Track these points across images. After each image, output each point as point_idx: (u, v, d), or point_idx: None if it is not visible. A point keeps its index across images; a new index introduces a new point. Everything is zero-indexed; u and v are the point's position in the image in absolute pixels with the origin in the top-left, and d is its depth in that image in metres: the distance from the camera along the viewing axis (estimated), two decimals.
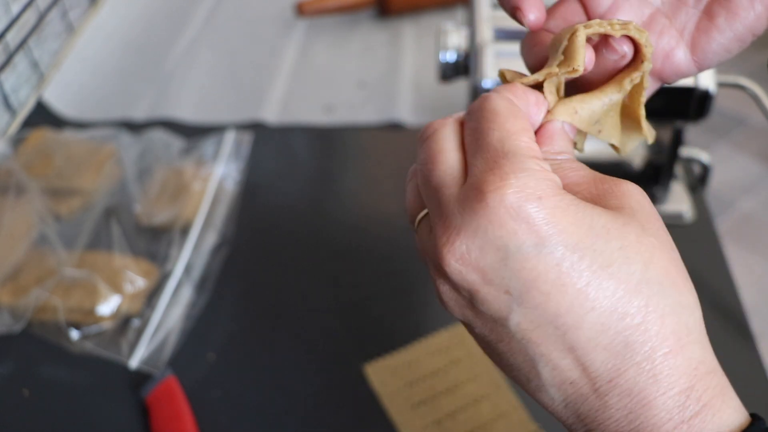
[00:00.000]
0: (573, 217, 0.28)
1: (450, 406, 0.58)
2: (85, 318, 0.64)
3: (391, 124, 0.86)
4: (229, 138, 0.80)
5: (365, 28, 1.03)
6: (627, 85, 0.34)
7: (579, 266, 0.28)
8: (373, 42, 1.01)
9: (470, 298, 0.30)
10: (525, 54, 0.37)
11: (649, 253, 0.29)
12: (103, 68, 0.97)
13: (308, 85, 0.93)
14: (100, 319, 0.64)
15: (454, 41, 0.69)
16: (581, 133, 0.35)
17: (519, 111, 0.32)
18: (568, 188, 0.31)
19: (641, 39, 0.34)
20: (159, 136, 0.80)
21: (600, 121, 0.35)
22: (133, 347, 0.63)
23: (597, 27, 0.33)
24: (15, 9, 0.88)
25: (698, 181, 0.77)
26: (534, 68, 0.36)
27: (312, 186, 0.79)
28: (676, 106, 0.65)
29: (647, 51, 0.34)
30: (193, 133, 0.83)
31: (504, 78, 0.35)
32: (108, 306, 0.64)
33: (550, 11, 0.37)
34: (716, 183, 1.93)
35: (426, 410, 0.58)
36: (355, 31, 1.03)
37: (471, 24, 0.71)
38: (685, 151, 0.77)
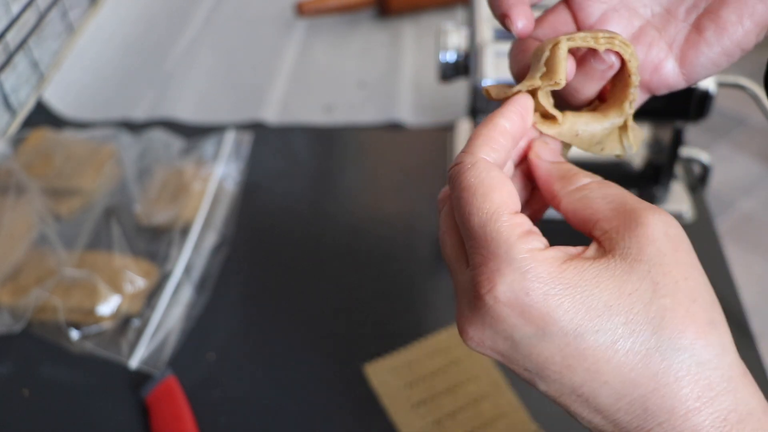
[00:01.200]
0: (569, 302, 0.29)
1: (450, 406, 0.58)
2: (85, 318, 0.64)
3: (391, 124, 0.86)
4: (229, 138, 0.80)
5: (365, 28, 1.03)
6: (628, 108, 0.35)
7: (582, 348, 0.29)
8: (373, 42, 1.01)
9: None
10: (511, 61, 0.37)
11: (659, 319, 0.29)
12: (103, 68, 0.97)
13: (308, 85, 0.93)
14: (100, 319, 0.64)
15: (454, 41, 0.69)
16: (566, 146, 0.36)
17: (495, 179, 0.31)
18: (600, 228, 0.31)
19: (626, 54, 0.34)
20: (159, 136, 0.80)
21: (601, 141, 0.36)
22: (133, 347, 0.62)
23: (581, 41, 0.33)
24: (15, 9, 0.88)
25: (698, 181, 0.77)
26: (519, 75, 0.37)
27: (312, 186, 0.79)
28: (676, 106, 0.65)
29: (632, 66, 0.34)
30: (193, 133, 0.83)
31: (489, 95, 0.36)
32: (108, 306, 0.64)
33: (539, 20, 0.37)
34: (716, 183, 1.93)
35: (426, 410, 0.58)
36: (355, 31, 1.03)
37: (471, 24, 0.71)
38: (685, 151, 0.77)
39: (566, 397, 0.30)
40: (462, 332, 0.32)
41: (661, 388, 0.29)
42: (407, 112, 0.88)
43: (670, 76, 0.36)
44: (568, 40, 0.33)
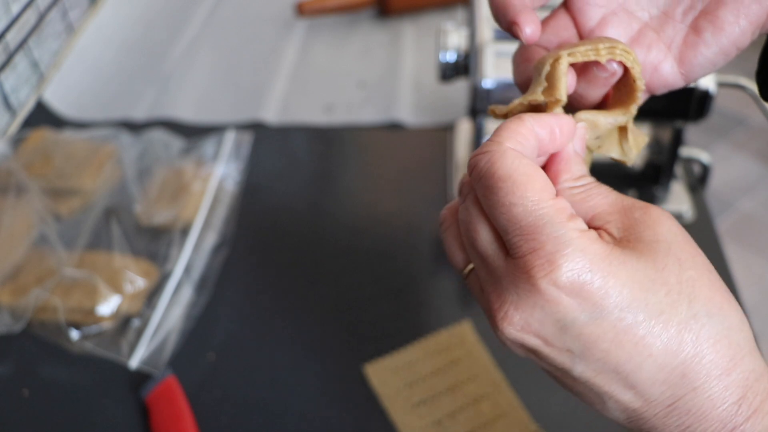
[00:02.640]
0: (623, 279, 0.30)
1: (450, 406, 0.58)
2: (85, 318, 0.64)
3: (391, 124, 0.86)
4: (229, 138, 0.80)
5: (365, 28, 1.03)
6: (634, 109, 0.35)
7: (634, 322, 0.30)
8: (372, 42, 1.01)
9: (533, 353, 0.32)
10: (515, 70, 0.38)
11: (691, 288, 0.31)
12: (104, 68, 0.97)
13: (308, 85, 0.93)
14: (100, 319, 0.64)
15: (454, 41, 0.69)
16: (589, 151, 0.36)
17: (529, 166, 0.31)
18: (601, 218, 0.33)
19: (628, 62, 0.34)
20: (159, 136, 0.80)
21: (601, 137, 0.36)
22: (133, 347, 0.62)
23: (581, 55, 0.34)
24: (15, 9, 0.88)
25: (698, 181, 0.77)
26: (522, 85, 0.37)
27: (312, 186, 0.79)
28: (676, 106, 0.65)
29: (635, 72, 0.34)
30: (193, 133, 0.83)
31: (495, 114, 0.36)
32: (108, 306, 0.64)
33: (542, 25, 0.37)
34: (716, 183, 1.93)
35: (426, 410, 0.58)
36: (355, 31, 1.03)
37: (471, 24, 0.71)
38: (685, 151, 0.77)
39: (603, 375, 0.31)
40: (503, 319, 0.31)
41: (701, 353, 0.30)
42: (407, 112, 0.88)
43: (669, 75, 0.37)
44: (569, 55, 0.33)
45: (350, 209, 0.76)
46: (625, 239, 0.32)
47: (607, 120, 0.35)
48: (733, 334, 0.31)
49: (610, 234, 0.32)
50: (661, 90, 0.38)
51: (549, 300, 0.30)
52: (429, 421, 0.57)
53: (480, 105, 0.67)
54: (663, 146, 0.73)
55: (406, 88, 0.91)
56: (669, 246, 0.31)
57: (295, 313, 0.66)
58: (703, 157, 0.77)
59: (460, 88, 0.84)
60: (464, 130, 0.82)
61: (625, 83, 0.35)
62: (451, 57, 0.70)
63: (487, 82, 0.66)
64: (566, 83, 0.33)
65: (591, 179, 0.34)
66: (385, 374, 0.61)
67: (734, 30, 0.36)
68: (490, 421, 0.57)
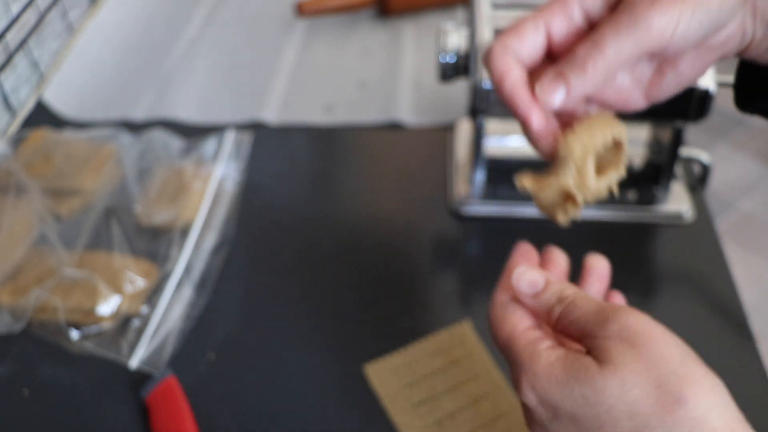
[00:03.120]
0: (566, 394, 0.36)
1: (450, 406, 0.58)
2: (85, 318, 0.64)
3: (390, 124, 0.86)
4: (230, 138, 0.80)
5: (365, 28, 1.03)
6: (622, 170, 0.40)
7: (582, 427, 0.35)
8: (372, 42, 1.00)
9: None
10: (540, 142, 0.41)
11: (631, 408, 0.34)
12: (103, 68, 0.97)
13: (308, 85, 0.93)
14: (100, 319, 0.64)
15: (454, 41, 0.69)
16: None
17: (506, 310, 0.41)
18: (581, 334, 0.38)
19: (622, 135, 0.40)
20: (159, 136, 0.80)
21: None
22: (133, 347, 0.62)
23: (602, 148, 0.39)
24: (15, 9, 0.88)
25: (698, 181, 0.77)
26: (549, 156, 0.41)
27: (312, 186, 0.79)
28: (676, 106, 0.65)
29: (624, 141, 0.40)
30: (193, 133, 0.83)
31: (524, 186, 0.41)
32: (108, 306, 0.64)
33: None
34: (716, 183, 1.93)
35: (426, 410, 0.58)
36: (355, 31, 1.03)
37: (471, 24, 0.70)
38: (685, 151, 0.76)
39: None
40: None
41: None
42: (407, 112, 0.87)
43: (636, 104, 0.43)
44: (595, 153, 0.39)
45: (350, 209, 0.76)
46: (596, 354, 0.36)
47: (603, 183, 0.40)
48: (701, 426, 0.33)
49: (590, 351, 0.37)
50: (624, 111, 0.43)
51: (525, 407, 0.38)
52: (429, 421, 0.57)
53: (480, 105, 0.67)
54: (663, 146, 0.73)
55: (406, 88, 0.91)
56: (616, 368, 0.35)
57: (295, 313, 0.66)
58: (703, 157, 0.77)
59: (460, 88, 0.84)
60: (464, 130, 0.82)
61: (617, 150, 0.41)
62: (451, 57, 0.69)
63: (488, 83, 0.65)
64: (593, 175, 0.39)
65: (571, 293, 0.39)
66: (385, 374, 0.60)
67: (693, 75, 0.42)
68: (490, 421, 0.57)
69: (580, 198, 0.40)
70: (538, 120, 0.40)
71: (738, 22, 0.40)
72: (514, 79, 0.40)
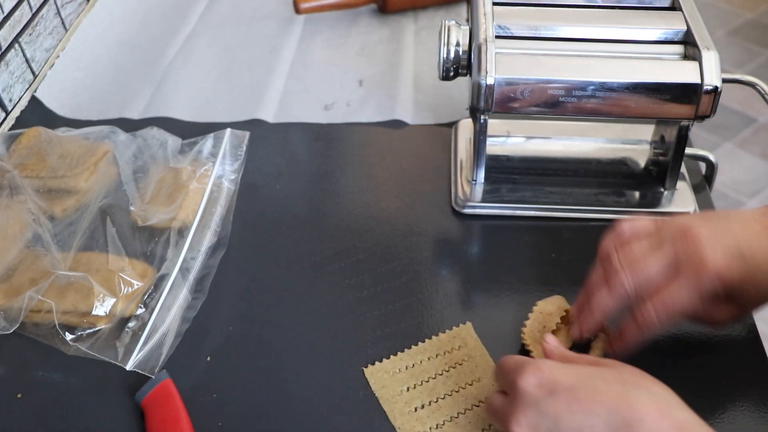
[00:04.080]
0: (569, 371, 0.48)
1: (451, 409, 0.57)
2: (80, 320, 0.63)
3: (391, 121, 0.85)
4: (227, 137, 0.79)
5: (365, 25, 1.02)
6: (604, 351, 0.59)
7: (579, 396, 0.46)
8: (372, 39, 1.00)
9: None
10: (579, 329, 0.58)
11: (621, 377, 0.47)
12: (98, 66, 0.96)
13: (307, 82, 0.93)
14: (95, 320, 0.63)
15: (455, 39, 0.69)
16: None
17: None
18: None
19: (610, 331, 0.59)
20: (155, 134, 0.79)
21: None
22: (128, 349, 0.62)
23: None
24: (7, 5, 0.87)
25: (704, 181, 0.76)
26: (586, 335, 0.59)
27: (311, 185, 0.79)
28: (682, 104, 0.65)
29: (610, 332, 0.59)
30: (189, 131, 0.83)
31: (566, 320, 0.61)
32: (103, 308, 0.63)
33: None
34: (722, 182, 1.93)
35: (426, 414, 0.57)
36: (354, 28, 1.02)
37: (472, 21, 0.70)
38: (691, 150, 0.76)
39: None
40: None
41: (636, 410, 0.44)
42: (408, 110, 0.87)
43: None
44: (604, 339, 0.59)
45: (350, 209, 0.75)
46: None
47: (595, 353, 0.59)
48: (659, 398, 0.45)
49: None
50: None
51: (523, 391, 0.47)
52: (430, 425, 0.57)
53: (481, 104, 0.66)
54: (669, 145, 0.72)
55: (406, 86, 0.90)
56: (615, 366, 0.49)
57: (294, 314, 0.65)
58: (709, 156, 0.76)
59: (461, 85, 0.83)
60: (466, 128, 0.82)
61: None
62: (452, 55, 0.69)
63: (489, 80, 0.65)
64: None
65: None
66: (384, 377, 0.60)
67: (654, 328, 0.54)
68: (492, 426, 0.56)
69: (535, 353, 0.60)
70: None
71: None
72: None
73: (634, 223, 0.56)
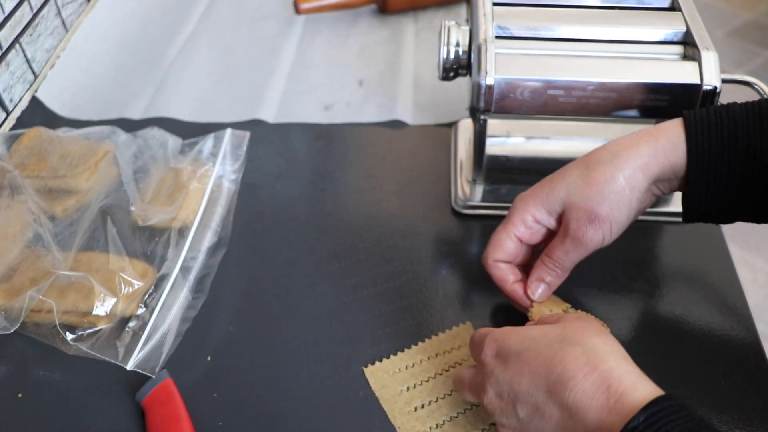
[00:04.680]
0: (515, 338, 0.51)
1: (451, 409, 0.58)
2: (81, 320, 0.63)
3: (391, 122, 0.85)
4: (227, 137, 0.79)
5: (365, 25, 1.02)
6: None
7: (525, 359, 0.50)
8: (372, 39, 1.00)
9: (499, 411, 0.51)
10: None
11: (562, 335, 0.50)
12: (99, 66, 0.96)
13: (307, 82, 0.93)
14: (96, 320, 0.63)
15: (455, 39, 0.69)
16: None
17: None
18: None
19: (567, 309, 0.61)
20: (156, 134, 0.79)
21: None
22: (129, 349, 0.62)
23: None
24: (8, 6, 0.87)
25: None
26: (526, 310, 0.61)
27: (311, 185, 0.78)
28: (681, 104, 0.65)
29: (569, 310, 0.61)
30: (190, 131, 0.83)
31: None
32: (103, 307, 0.63)
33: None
34: None
35: (426, 413, 0.57)
36: (354, 28, 1.02)
37: (472, 21, 0.70)
38: None
39: (528, 405, 0.48)
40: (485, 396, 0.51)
41: (566, 367, 0.47)
42: (408, 110, 0.87)
43: None
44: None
45: (350, 209, 0.75)
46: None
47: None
48: (590, 352, 0.47)
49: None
50: None
51: (484, 363, 0.51)
52: (430, 424, 0.57)
53: (481, 104, 0.66)
54: None
55: (406, 86, 0.90)
56: (563, 323, 0.52)
57: (294, 314, 0.65)
58: None
59: (461, 86, 0.83)
60: (466, 129, 0.81)
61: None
62: (452, 55, 0.69)
63: (489, 80, 0.65)
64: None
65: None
66: (384, 377, 0.60)
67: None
68: (492, 425, 0.56)
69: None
70: (526, 302, 0.60)
71: (648, 203, 0.58)
72: (510, 283, 0.60)
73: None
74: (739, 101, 0.56)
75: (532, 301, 0.60)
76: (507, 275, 0.60)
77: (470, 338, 0.55)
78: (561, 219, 0.58)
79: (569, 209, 0.56)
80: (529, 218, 0.59)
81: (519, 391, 0.48)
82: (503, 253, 0.60)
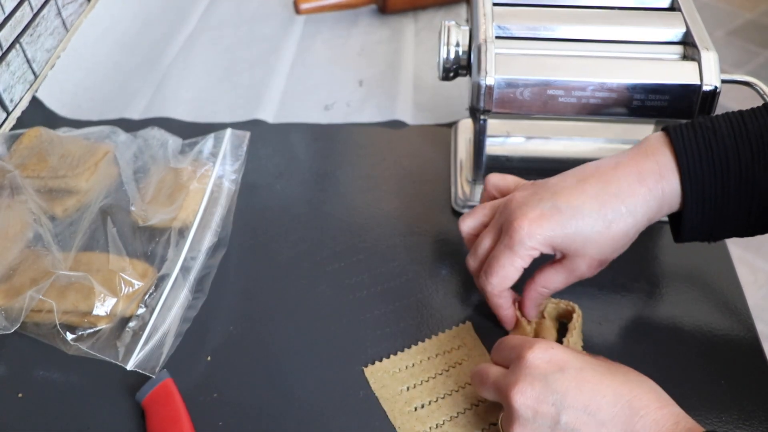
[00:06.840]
0: (577, 356, 0.52)
1: (451, 409, 0.58)
2: (81, 320, 0.63)
3: (391, 122, 0.85)
4: (227, 137, 0.79)
5: (365, 25, 1.02)
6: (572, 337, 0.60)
7: (587, 376, 0.49)
8: (373, 39, 1.00)
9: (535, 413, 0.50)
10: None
11: (621, 369, 0.51)
12: (99, 66, 0.96)
13: (307, 82, 0.93)
14: (96, 320, 0.63)
15: (455, 39, 0.69)
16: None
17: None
18: None
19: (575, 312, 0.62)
20: (156, 134, 0.79)
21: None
22: (129, 349, 0.62)
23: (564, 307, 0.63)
24: (8, 6, 0.87)
25: None
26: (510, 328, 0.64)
27: (311, 185, 0.78)
28: (681, 104, 0.65)
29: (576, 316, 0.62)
30: (190, 132, 0.83)
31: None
32: (104, 307, 0.63)
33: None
34: None
35: (426, 413, 0.57)
36: (354, 28, 1.02)
37: (472, 21, 0.70)
38: None
39: (579, 418, 0.48)
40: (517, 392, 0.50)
41: (638, 395, 0.48)
42: (408, 111, 0.87)
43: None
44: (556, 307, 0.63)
45: (350, 209, 0.75)
46: None
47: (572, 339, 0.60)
48: (658, 392, 0.49)
49: None
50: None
51: (531, 363, 0.50)
52: (430, 424, 0.57)
53: (481, 105, 0.66)
54: None
55: (406, 86, 0.90)
56: (605, 361, 0.52)
57: (294, 314, 0.65)
58: None
59: (461, 86, 0.83)
60: (466, 129, 0.81)
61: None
62: (452, 55, 0.69)
63: (489, 80, 0.65)
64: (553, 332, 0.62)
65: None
66: (384, 377, 0.60)
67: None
68: (492, 425, 0.56)
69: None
70: (512, 324, 0.62)
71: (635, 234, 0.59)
72: (506, 309, 0.61)
73: (469, 218, 0.63)
74: (738, 101, 0.57)
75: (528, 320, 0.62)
76: (508, 303, 0.61)
77: (501, 341, 0.55)
78: (564, 253, 0.58)
79: (583, 256, 0.58)
80: (536, 254, 0.58)
81: (574, 403, 0.48)
82: (509, 284, 0.59)
